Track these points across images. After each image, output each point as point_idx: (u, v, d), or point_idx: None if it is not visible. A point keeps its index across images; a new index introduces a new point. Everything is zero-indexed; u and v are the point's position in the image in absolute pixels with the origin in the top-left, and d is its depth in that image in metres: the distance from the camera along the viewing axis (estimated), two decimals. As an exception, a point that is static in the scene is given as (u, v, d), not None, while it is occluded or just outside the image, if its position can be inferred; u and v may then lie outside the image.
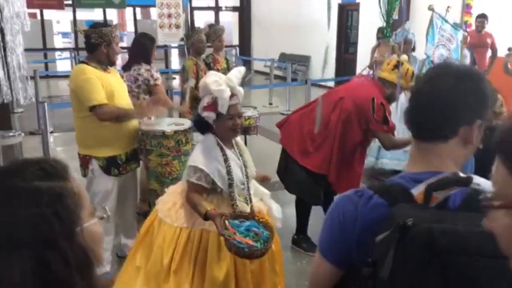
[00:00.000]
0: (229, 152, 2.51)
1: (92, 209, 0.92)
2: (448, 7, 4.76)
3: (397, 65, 3.61)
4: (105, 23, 3.45)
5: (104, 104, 3.04)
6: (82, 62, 3.15)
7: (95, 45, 3.10)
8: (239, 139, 2.73)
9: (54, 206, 0.80)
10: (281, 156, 3.93)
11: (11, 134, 4.54)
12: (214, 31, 5.38)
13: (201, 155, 2.46)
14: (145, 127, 3.45)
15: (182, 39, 5.32)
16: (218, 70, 5.40)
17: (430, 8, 4.66)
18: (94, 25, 3.20)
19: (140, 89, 4.10)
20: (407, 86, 3.60)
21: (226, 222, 2.23)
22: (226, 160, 2.45)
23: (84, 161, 3.24)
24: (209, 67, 5.30)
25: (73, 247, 0.80)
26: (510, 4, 8.45)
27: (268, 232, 2.31)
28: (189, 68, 4.88)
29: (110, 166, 3.22)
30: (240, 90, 2.51)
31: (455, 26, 4.92)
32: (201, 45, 5.07)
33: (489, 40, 7.44)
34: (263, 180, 2.81)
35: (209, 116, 2.44)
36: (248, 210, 2.50)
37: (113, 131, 3.19)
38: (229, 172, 2.44)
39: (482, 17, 7.40)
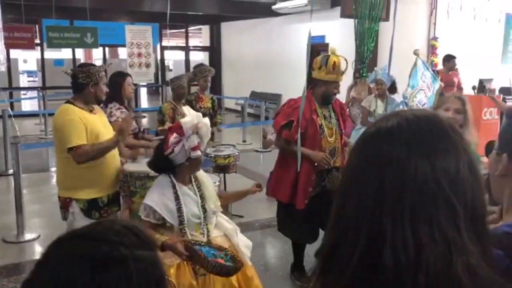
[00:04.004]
0: (184, 189, 2.59)
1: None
2: (416, 49, 4.93)
3: (324, 61, 3.49)
4: (92, 63, 3.40)
5: (80, 146, 2.95)
6: (68, 102, 3.07)
7: (82, 85, 3.04)
8: (202, 173, 2.79)
9: (155, 277, 0.80)
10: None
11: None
12: (200, 71, 5.42)
13: (151, 193, 2.59)
14: (129, 168, 3.35)
15: (167, 83, 5.23)
16: (200, 108, 5.39)
17: (416, 53, 4.80)
18: (81, 65, 3.16)
19: None
20: (339, 79, 3.55)
21: (196, 247, 2.32)
22: (177, 197, 2.53)
23: (65, 204, 3.11)
24: (191, 104, 5.28)
25: None
26: (471, 45, 8.90)
27: (225, 252, 2.40)
28: (165, 111, 4.85)
29: (91, 209, 3.11)
30: None
31: (435, 76, 5.10)
32: (181, 91, 4.99)
33: (455, 79, 7.75)
34: (254, 191, 2.92)
35: (198, 155, 2.54)
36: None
37: (96, 172, 3.09)
38: (179, 210, 2.52)
39: (454, 58, 7.74)
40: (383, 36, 8.55)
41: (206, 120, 2.58)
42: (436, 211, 0.72)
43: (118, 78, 4.15)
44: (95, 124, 3.07)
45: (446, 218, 0.72)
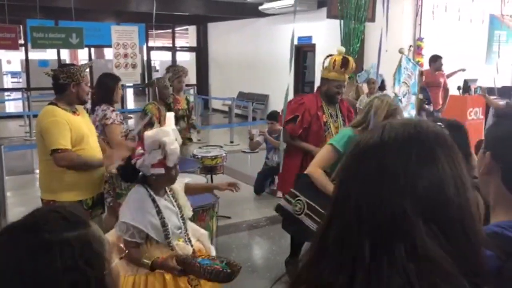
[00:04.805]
0: (162, 201, 2.43)
1: (111, 249, 0.94)
2: (410, 46, 5.03)
3: (327, 60, 3.70)
4: (72, 63, 3.36)
5: (66, 149, 2.91)
6: (52, 103, 3.03)
7: (63, 85, 2.99)
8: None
9: (85, 255, 0.82)
10: None
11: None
12: (174, 72, 5.33)
13: (132, 210, 2.36)
14: (115, 169, 3.31)
15: (149, 84, 5.13)
16: (178, 110, 5.33)
17: (401, 52, 4.86)
18: (62, 65, 3.11)
19: (98, 130, 3.93)
20: (340, 78, 3.64)
21: (189, 260, 2.24)
22: (159, 212, 2.38)
23: (48, 207, 3.06)
24: (169, 107, 5.22)
25: None
26: (456, 45, 8.99)
27: (220, 260, 2.32)
28: (152, 112, 4.67)
29: (76, 211, 3.05)
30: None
31: (414, 63, 5.18)
32: (165, 91, 4.87)
33: (441, 80, 7.81)
34: (224, 189, 2.90)
35: (159, 172, 2.31)
36: (190, 250, 2.49)
37: (80, 174, 3.05)
38: (163, 224, 2.38)
39: (440, 58, 7.80)
40: (369, 37, 8.61)
41: (172, 137, 2.35)
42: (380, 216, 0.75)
43: (111, 82, 4.07)
44: (79, 126, 3.03)
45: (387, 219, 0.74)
